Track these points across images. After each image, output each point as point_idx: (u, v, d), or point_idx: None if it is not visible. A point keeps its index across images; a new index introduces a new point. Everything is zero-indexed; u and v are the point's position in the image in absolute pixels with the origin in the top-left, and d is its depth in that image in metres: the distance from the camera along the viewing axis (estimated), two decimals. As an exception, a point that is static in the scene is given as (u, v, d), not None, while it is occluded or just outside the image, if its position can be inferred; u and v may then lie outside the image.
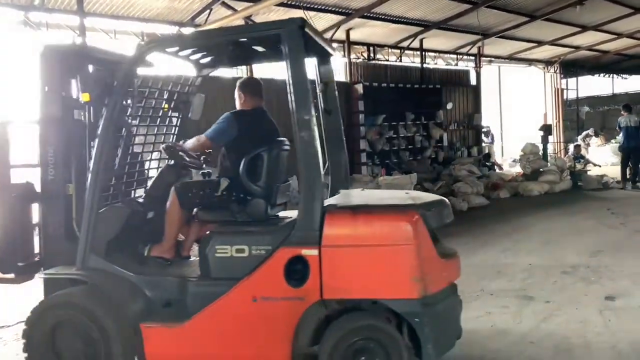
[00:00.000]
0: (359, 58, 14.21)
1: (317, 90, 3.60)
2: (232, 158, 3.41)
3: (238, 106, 3.65)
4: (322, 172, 2.98)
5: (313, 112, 2.98)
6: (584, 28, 15.81)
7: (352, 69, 13.61)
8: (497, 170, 15.33)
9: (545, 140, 15.00)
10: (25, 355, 3.09)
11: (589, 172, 14.10)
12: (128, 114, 3.53)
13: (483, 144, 17.29)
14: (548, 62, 20.35)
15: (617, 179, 13.33)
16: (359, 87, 13.04)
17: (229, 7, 10.15)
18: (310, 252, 2.84)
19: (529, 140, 14.44)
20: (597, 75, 23.03)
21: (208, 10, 10.32)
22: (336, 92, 3.75)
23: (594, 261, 6.20)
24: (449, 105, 15.93)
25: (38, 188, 3.43)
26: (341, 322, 2.88)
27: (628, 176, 12.85)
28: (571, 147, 18.08)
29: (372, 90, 13.33)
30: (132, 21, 10.38)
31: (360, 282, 2.87)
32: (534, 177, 13.03)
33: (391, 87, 14.03)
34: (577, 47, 18.50)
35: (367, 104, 13.11)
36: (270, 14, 11.01)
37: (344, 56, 13.53)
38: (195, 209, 3.47)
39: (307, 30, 3.04)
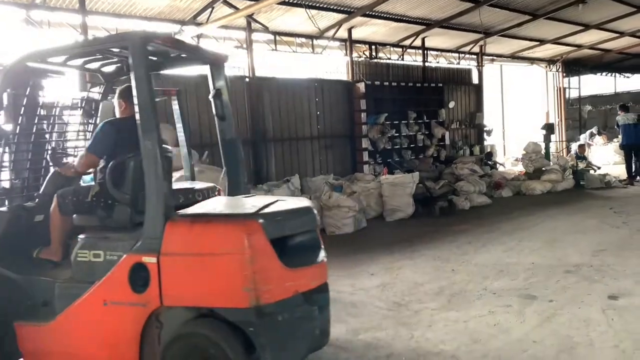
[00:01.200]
0: (360, 57, 14.19)
1: (210, 97, 3.81)
2: (104, 165, 3.49)
3: (117, 114, 3.77)
4: (166, 180, 3.08)
5: (155, 123, 3.05)
6: (586, 27, 15.76)
7: (354, 67, 13.59)
8: (500, 169, 15.33)
9: (547, 139, 15.01)
10: None
11: (591, 171, 14.11)
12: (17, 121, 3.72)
13: (485, 143, 17.27)
14: (550, 61, 20.31)
15: (619, 177, 13.35)
16: (361, 86, 13.02)
17: (230, 5, 10.14)
18: (150, 260, 2.91)
19: (531, 139, 14.44)
20: (600, 74, 22.97)
21: (210, 9, 10.31)
22: (228, 98, 3.88)
23: (597, 260, 6.19)
24: (451, 104, 15.91)
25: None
26: (170, 329, 2.95)
27: (634, 173, 13.14)
28: (574, 146, 18.07)
29: (374, 89, 13.31)
30: (134, 20, 10.38)
31: (196, 291, 2.90)
32: (536, 176, 13.02)
33: (393, 85, 14.00)
34: (580, 46, 18.46)
35: (369, 102, 13.09)
36: (272, 12, 11.00)
37: (346, 55, 13.50)
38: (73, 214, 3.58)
39: (156, 42, 3.22)
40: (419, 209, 10.16)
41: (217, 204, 3.53)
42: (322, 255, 3.44)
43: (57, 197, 3.51)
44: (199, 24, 10.77)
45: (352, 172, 12.63)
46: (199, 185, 5.46)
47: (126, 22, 10.32)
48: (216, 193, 5.43)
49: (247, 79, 11.11)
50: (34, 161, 4.00)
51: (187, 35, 11.01)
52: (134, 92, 3.06)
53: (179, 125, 5.99)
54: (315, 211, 3.51)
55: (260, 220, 2.92)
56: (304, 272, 3.18)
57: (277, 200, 3.39)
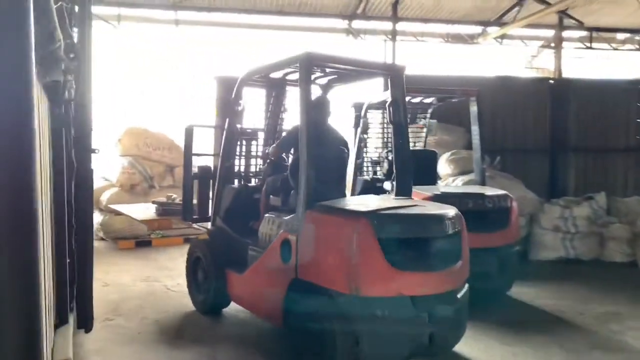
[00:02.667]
0: None
1: (386, 105, 4.04)
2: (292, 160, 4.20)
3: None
4: (312, 176, 3.45)
5: (309, 131, 3.49)
6: None
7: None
8: None
9: None
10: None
11: None
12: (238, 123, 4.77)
13: None
14: None
15: None
16: None
17: (542, 1, 9.41)
18: (292, 238, 3.47)
19: None
20: None
21: (518, 7, 9.80)
22: (404, 107, 4.06)
23: None
24: None
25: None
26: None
27: None
28: None
29: None
30: (439, 23, 10.67)
31: (318, 270, 3.29)
32: None
33: None
34: None
35: None
36: (590, 5, 9.77)
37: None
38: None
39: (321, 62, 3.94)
40: None
41: (358, 201, 3.86)
42: (451, 264, 3.35)
43: (266, 182, 4.43)
44: (503, 24, 10.37)
45: None
46: (490, 191, 5.23)
47: (431, 27, 10.72)
48: (509, 203, 5.11)
49: (550, 81, 10.17)
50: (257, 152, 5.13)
51: (489, 36, 10.75)
52: (300, 104, 3.58)
53: (475, 128, 5.89)
54: (453, 220, 3.38)
55: (372, 220, 3.11)
56: (414, 277, 3.18)
57: (415, 205, 3.59)
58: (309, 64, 3.62)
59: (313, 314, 3.24)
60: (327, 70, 4.36)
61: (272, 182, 4.31)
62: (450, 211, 3.46)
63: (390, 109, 3.99)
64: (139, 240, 7.40)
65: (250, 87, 4.84)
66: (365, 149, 6.26)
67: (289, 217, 3.60)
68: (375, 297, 3.06)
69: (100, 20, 8.29)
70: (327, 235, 3.27)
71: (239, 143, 4.91)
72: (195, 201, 5.06)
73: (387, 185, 5.71)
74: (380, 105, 6.10)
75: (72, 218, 3.00)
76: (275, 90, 5.00)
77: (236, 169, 4.97)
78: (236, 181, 4.93)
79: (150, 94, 10.95)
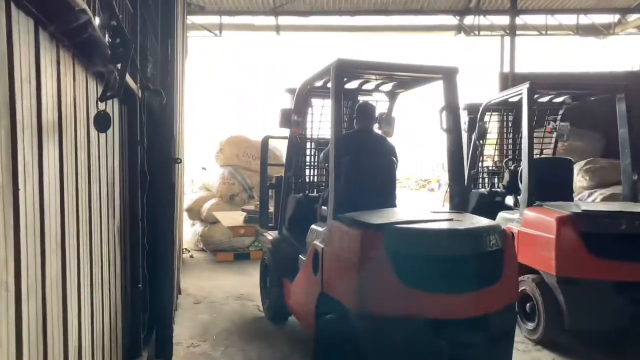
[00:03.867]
0: None
1: (438, 110, 3.70)
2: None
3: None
4: (340, 186, 3.30)
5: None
6: None
7: None
8: None
9: None
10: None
11: None
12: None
13: None
14: None
15: None
16: None
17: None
18: (319, 249, 3.38)
19: None
20: None
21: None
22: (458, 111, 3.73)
23: None
24: None
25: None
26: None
27: None
28: None
29: None
30: (566, 14, 9.40)
31: (335, 283, 3.17)
32: None
33: None
34: None
35: None
36: None
37: None
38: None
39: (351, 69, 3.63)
40: None
41: (387, 213, 3.36)
42: (483, 286, 2.94)
43: (324, 192, 4.16)
44: (648, 10, 8.86)
45: None
46: None
47: (557, 18, 9.46)
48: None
49: None
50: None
51: (629, 25, 9.24)
52: (331, 112, 3.47)
53: (623, 131, 4.81)
54: (488, 237, 2.97)
55: (383, 233, 2.85)
56: (430, 297, 2.83)
57: (452, 220, 3.23)
58: (340, 72, 3.43)
59: (335, 331, 3.08)
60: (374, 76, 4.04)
61: (325, 192, 4.05)
62: (489, 227, 3.07)
63: (447, 115, 3.66)
64: (238, 253, 7.19)
65: (317, 98, 4.78)
66: (480, 158, 5.44)
67: (324, 228, 3.51)
68: (385, 316, 2.84)
69: (203, 30, 8.30)
70: (341, 247, 3.13)
71: (310, 153, 4.97)
72: (271, 209, 5.22)
73: (509, 200, 4.87)
74: (502, 106, 5.27)
75: (144, 238, 2.65)
76: (349, 100, 4.82)
77: (308, 179, 5.02)
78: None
79: (249, 101, 10.89)
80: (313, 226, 3.85)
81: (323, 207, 4.08)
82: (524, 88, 4.32)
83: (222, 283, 5.77)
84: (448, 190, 4.32)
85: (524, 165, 4.33)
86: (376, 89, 4.51)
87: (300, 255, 4.01)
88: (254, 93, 11.07)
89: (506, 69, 7.91)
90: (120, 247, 2.46)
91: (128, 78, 2.30)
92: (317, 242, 3.45)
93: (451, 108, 3.67)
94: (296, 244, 4.31)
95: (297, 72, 4.97)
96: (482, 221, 3.24)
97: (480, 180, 5.56)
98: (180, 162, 3.14)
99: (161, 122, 3.12)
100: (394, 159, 3.89)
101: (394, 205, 3.81)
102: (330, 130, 3.41)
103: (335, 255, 3.16)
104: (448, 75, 3.66)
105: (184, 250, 7.41)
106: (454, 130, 3.68)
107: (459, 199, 3.70)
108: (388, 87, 4.44)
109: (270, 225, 5.14)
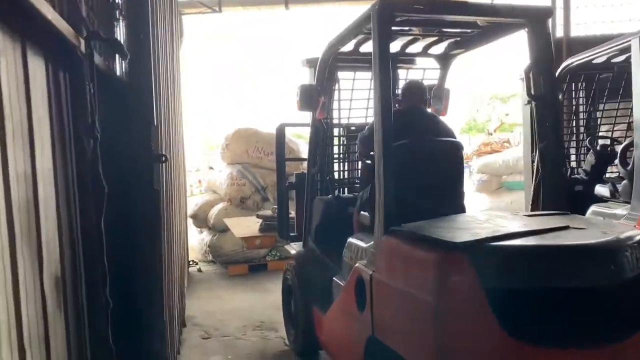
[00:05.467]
0: None
1: (523, 70, 2.79)
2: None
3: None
4: (392, 184, 2.24)
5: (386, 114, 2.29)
6: None
7: None
8: None
9: None
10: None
11: None
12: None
13: None
14: None
15: None
16: None
17: None
18: (366, 275, 2.36)
19: None
20: None
21: None
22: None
23: None
24: None
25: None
26: None
27: None
28: None
29: None
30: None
31: (393, 328, 2.17)
32: None
33: None
34: None
35: None
36: None
37: None
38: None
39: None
40: None
41: (467, 221, 2.35)
42: (628, 335, 1.85)
43: (360, 192, 3.26)
44: None
45: None
46: None
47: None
48: None
49: None
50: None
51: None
52: (375, 74, 2.36)
53: None
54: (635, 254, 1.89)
55: (471, 256, 1.76)
56: (552, 356, 1.77)
57: (567, 228, 2.04)
58: (387, 14, 2.35)
59: None
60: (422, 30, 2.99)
61: (363, 194, 3.16)
62: (634, 239, 1.95)
63: (535, 76, 2.68)
64: (253, 265, 6.17)
65: (347, 71, 3.71)
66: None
67: (368, 244, 2.51)
68: None
69: (201, 7, 7.26)
70: (403, 277, 2.08)
71: (339, 143, 4.02)
72: (292, 214, 4.21)
73: (601, 190, 3.79)
74: (584, 70, 4.19)
75: (106, 287, 1.61)
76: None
77: (338, 175, 4.07)
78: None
79: (258, 89, 9.83)
80: (352, 240, 2.87)
81: (362, 212, 3.09)
82: (633, 40, 3.22)
83: (236, 305, 4.76)
84: (535, 181, 3.37)
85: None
86: (425, 52, 3.46)
87: (335, 278, 3.03)
88: (262, 78, 9.98)
89: (558, 34, 6.82)
90: (61, 313, 1.44)
91: (49, 10, 1.27)
92: (361, 266, 2.44)
93: (543, 66, 2.65)
94: (327, 262, 3.33)
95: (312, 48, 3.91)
96: (616, 228, 2.18)
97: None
98: (166, 160, 2.13)
99: (135, 102, 2.09)
100: (461, 143, 2.85)
101: (462, 210, 2.77)
102: (375, 102, 2.35)
103: (392, 287, 2.14)
104: (537, 20, 2.61)
105: (191, 263, 6.43)
106: (548, 97, 2.66)
107: (557, 194, 2.67)
108: (441, 47, 3.39)
109: (292, 235, 4.13)
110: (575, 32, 6.64)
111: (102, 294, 1.58)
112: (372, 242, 2.38)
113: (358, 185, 3.68)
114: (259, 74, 9.97)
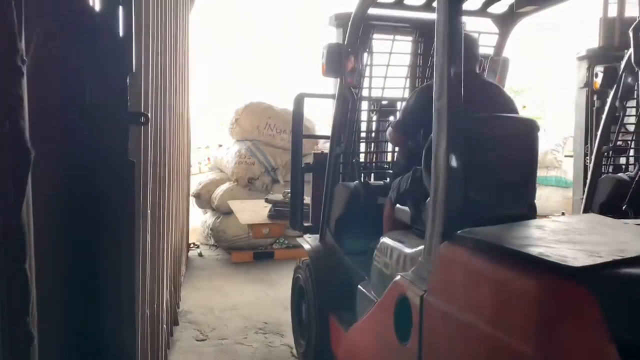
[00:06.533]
0: None
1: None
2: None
3: None
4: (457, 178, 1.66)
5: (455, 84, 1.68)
6: None
7: None
8: None
9: None
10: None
11: None
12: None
13: None
14: None
15: None
16: None
17: None
18: (414, 296, 1.76)
19: None
20: None
21: None
22: None
23: None
24: None
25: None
26: None
27: None
28: None
29: None
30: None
31: None
32: None
33: None
34: None
35: None
36: None
37: None
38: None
39: None
40: None
41: (562, 229, 1.62)
42: None
43: (394, 181, 2.68)
44: None
45: None
46: None
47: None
48: None
49: None
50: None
51: None
52: (436, 37, 1.71)
53: None
54: None
55: (596, 288, 1.14)
56: None
57: None
58: None
59: None
60: None
61: (400, 183, 2.58)
62: None
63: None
64: (259, 252, 5.61)
65: (382, 34, 3.08)
66: (621, 129, 3.70)
67: (415, 249, 1.96)
68: None
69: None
70: (479, 306, 1.40)
71: (369, 119, 3.37)
72: (307, 200, 3.61)
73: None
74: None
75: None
76: (424, 38, 3.15)
77: (366, 158, 3.43)
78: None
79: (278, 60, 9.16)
80: (387, 241, 2.29)
81: (399, 206, 2.49)
82: None
83: (238, 300, 4.20)
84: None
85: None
86: (483, 10, 2.82)
87: (361, 287, 2.48)
88: (280, 48, 9.32)
89: (611, 14, 6.11)
90: None
91: None
92: (404, 280, 1.82)
93: None
94: (351, 264, 2.78)
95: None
96: None
97: (611, 161, 3.83)
98: (146, 121, 1.54)
99: (108, 40, 1.48)
100: (536, 122, 2.22)
101: (534, 211, 2.14)
102: (439, 65, 1.70)
103: (458, 320, 1.49)
104: None
105: (192, 245, 5.89)
106: None
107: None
108: (503, 5, 2.75)
109: (306, 225, 3.53)
110: (631, 11, 5.94)
111: (21, 322, 1.00)
112: (423, 249, 1.78)
113: (391, 171, 3.06)
114: (278, 43, 9.29)
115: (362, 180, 3.03)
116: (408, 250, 1.99)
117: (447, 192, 1.61)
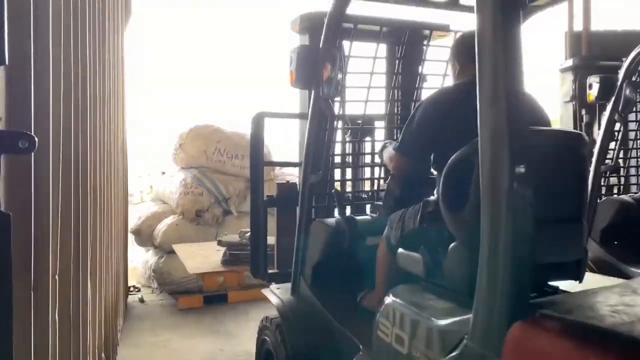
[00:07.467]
0: None
1: None
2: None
3: (452, 80, 2.17)
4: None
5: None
6: None
7: None
8: None
9: None
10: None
11: None
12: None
13: None
14: None
15: None
16: None
17: None
18: None
19: None
20: None
21: None
22: None
23: None
24: None
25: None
26: None
27: None
28: None
29: None
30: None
31: None
32: None
33: None
34: None
35: None
36: None
37: None
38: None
39: None
40: None
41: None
42: None
43: (390, 218, 2.19)
44: None
45: None
46: None
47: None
48: None
49: None
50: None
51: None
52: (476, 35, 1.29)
53: None
54: None
55: None
56: None
57: None
58: None
59: None
60: None
61: (403, 219, 2.05)
62: None
63: None
64: (209, 295, 4.90)
65: (356, 41, 2.60)
66: (621, 145, 3.34)
67: (446, 320, 1.42)
68: None
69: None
70: None
71: (344, 140, 2.88)
72: (272, 241, 2.98)
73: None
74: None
75: None
76: (405, 46, 2.80)
77: (352, 187, 2.98)
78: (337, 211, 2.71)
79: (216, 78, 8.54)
80: (393, 302, 1.70)
81: (403, 251, 1.94)
82: None
83: (187, 359, 3.50)
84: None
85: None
86: None
87: (358, 355, 1.95)
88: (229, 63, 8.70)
89: (576, 28, 5.99)
90: None
91: None
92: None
93: None
94: (339, 326, 2.22)
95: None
96: None
97: (607, 181, 3.48)
98: (31, 147, 0.94)
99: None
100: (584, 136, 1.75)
101: (586, 253, 1.65)
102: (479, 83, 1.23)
103: None
104: None
105: (132, 289, 5.11)
106: None
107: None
108: None
109: (271, 272, 2.91)
110: (595, 26, 5.85)
111: None
112: (459, 321, 1.23)
113: (380, 203, 2.52)
114: (225, 64, 8.70)
115: (344, 215, 2.48)
116: (435, 322, 1.44)
117: (515, 246, 1.08)
